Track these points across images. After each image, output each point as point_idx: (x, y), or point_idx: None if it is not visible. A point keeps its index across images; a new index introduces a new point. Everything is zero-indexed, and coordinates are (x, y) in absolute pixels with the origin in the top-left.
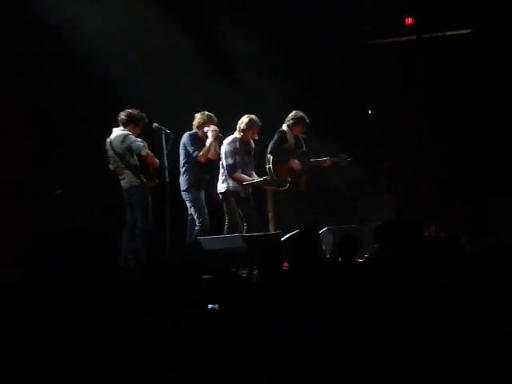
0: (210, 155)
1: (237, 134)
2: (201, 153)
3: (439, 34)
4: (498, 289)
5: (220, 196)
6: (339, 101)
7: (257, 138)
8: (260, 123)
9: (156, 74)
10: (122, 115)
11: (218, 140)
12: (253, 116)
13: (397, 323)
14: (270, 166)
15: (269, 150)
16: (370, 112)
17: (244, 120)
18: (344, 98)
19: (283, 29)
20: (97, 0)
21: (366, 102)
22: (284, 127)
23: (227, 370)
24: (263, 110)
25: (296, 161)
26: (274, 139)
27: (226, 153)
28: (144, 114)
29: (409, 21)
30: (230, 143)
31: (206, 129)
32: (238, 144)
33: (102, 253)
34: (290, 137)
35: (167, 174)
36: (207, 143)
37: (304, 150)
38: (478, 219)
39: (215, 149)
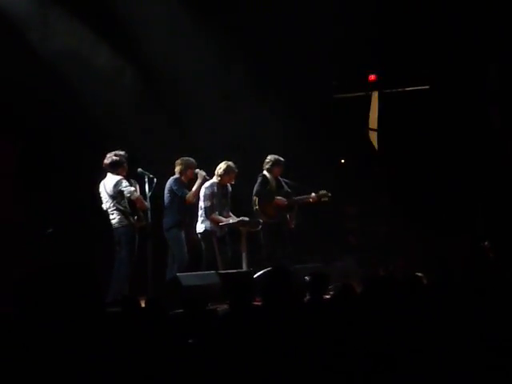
0: (190, 198)
1: (215, 179)
2: (189, 194)
3: (399, 90)
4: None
5: (199, 235)
6: (311, 147)
7: (233, 183)
8: (236, 169)
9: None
10: (107, 162)
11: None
12: (230, 162)
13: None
14: (257, 207)
15: (254, 192)
16: (342, 161)
17: (222, 166)
18: (315, 145)
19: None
20: None
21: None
22: (264, 172)
23: None
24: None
25: (281, 198)
26: (257, 183)
27: (204, 196)
28: (124, 153)
29: (372, 77)
30: (208, 187)
31: (196, 170)
32: (215, 188)
33: (89, 287)
34: (271, 179)
35: (150, 215)
36: (196, 184)
37: (287, 189)
38: (436, 259)
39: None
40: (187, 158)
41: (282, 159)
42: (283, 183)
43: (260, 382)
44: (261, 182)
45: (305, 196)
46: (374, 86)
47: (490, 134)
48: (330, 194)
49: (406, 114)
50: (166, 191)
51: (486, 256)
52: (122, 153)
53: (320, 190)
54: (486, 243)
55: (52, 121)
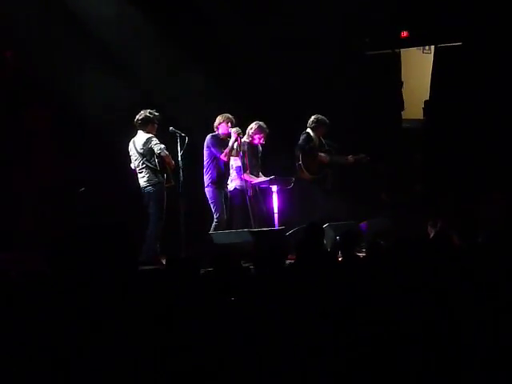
0: (233, 154)
1: (245, 138)
2: (224, 152)
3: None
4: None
5: (229, 194)
6: (344, 106)
7: (263, 143)
8: (267, 129)
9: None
10: (139, 118)
11: (240, 140)
12: (261, 122)
13: (394, 316)
14: (300, 162)
15: (297, 148)
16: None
17: (252, 126)
18: (346, 104)
19: (287, 38)
20: None
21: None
22: (308, 130)
23: (236, 358)
24: (273, 114)
25: (323, 154)
26: (301, 140)
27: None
28: (158, 114)
29: (404, 34)
30: (240, 145)
31: (229, 129)
32: (246, 147)
33: (124, 246)
34: (314, 137)
35: (181, 174)
36: (230, 143)
37: (328, 149)
38: (468, 217)
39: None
40: (225, 113)
41: (326, 119)
42: (324, 143)
43: (292, 339)
44: (304, 139)
45: (344, 157)
46: (406, 42)
47: None
48: (368, 158)
49: (440, 69)
50: (204, 148)
51: None
52: (153, 111)
53: (358, 152)
54: None
55: (83, 81)
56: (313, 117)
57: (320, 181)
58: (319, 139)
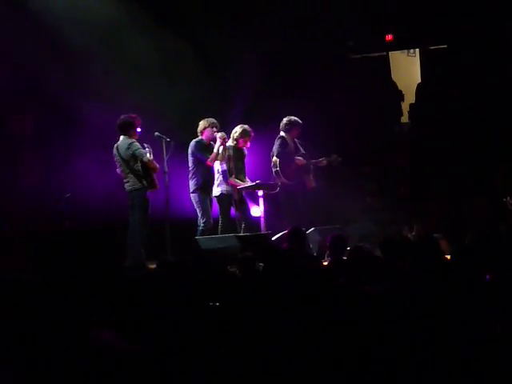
0: (219, 159)
1: (230, 142)
2: (210, 157)
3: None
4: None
5: (215, 199)
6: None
7: (248, 146)
8: (252, 133)
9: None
10: (120, 122)
11: (224, 144)
12: (245, 126)
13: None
14: (278, 168)
15: (274, 154)
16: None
17: (237, 129)
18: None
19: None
20: None
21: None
22: (282, 133)
23: (228, 364)
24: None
25: (299, 158)
26: (277, 144)
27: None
28: (137, 116)
29: (389, 37)
30: (225, 150)
31: (215, 134)
32: (231, 151)
33: (108, 252)
34: (289, 141)
35: (167, 178)
36: (215, 148)
37: (303, 152)
38: (455, 219)
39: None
40: (210, 118)
41: (299, 121)
42: (298, 145)
43: (280, 343)
44: (280, 144)
45: (317, 160)
46: (391, 45)
47: (507, 94)
48: (340, 159)
49: (427, 72)
50: (189, 154)
51: (509, 211)
52: (133, 115)
53: (331, 154)
54: (508, 198)
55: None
56: (285, 119)
57: (296, 186)
58: (293, 141)
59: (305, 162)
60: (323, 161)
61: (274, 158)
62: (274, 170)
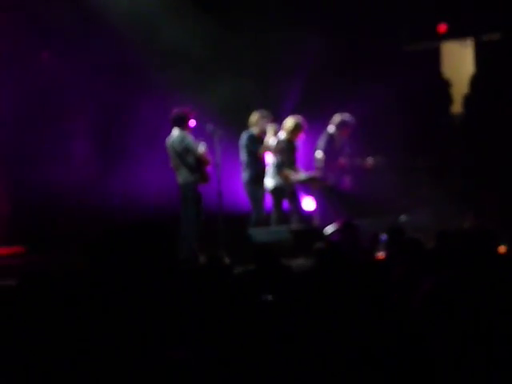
0: (271, 151)
1: (282, 135)
2: (261, 150)
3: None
4: None
5: (268, 192)
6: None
7: (301, 139)
8: (304, 125)
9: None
10: (174, 115)
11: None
12: (298, 118)
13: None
14: (321, 165)
15: (319, 149)
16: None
17: (289, 122)
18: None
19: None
20: None
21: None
22: (331, 129)
23: (280, 357)
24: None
25: (344, 158)
26: (324, 141)
27: (273, 151)
28: (190, 109)
29: (442, 27)
30: (277, 143)
31: (266, 126)
32: (284, 143)
33: (162, 246)
34: (337, 139)
35: (219, 171)
36: (267, 140)
37: (348, 150)
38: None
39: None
40: (262, 110)
41: (352, 121)
42: (345, 142)
43: (336, 337)
44: (327, 140)
45: (363, 161)
46: (444, 36)
47: None
48: (383, 160)
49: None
50: (241, 147)
51: None
52: (187, 108)
53: (376, 155)
54: None
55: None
56: (339, 117)
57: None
58: (341, 140)
59: (348, 163)
60: (369, 162)
61: (320, 155)
62: (316, 165)
